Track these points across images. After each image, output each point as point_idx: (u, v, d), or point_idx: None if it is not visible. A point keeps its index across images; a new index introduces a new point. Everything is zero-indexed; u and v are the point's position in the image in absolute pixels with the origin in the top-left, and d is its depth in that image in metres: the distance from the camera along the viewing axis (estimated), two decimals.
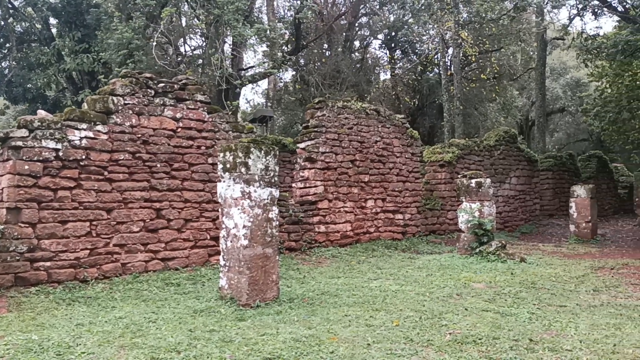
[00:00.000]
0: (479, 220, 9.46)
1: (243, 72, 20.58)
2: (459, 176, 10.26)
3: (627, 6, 13.54)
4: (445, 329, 5.05)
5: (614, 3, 13.56)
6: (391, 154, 11.75)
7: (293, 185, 10.63)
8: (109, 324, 5.21)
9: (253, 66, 21.79)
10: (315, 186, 10.15)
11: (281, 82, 28.18)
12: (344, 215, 10.56)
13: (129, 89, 7.66)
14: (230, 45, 18.53)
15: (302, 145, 10.35)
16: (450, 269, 8.37)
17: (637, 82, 23.00)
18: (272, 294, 6.02)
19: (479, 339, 4.71)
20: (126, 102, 7.63)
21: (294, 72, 26.16)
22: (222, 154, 5.94)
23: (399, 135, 12.02)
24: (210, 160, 8.46)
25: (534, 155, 16.88)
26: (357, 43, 29.09)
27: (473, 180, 9.76)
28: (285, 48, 22.69)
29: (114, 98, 7.52)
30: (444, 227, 13.03)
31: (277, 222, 6.10)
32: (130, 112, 7.65)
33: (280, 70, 21.33)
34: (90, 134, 7.23)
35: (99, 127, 7.34)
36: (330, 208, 10.30)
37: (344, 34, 26.24)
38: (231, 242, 5.88)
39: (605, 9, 13.90)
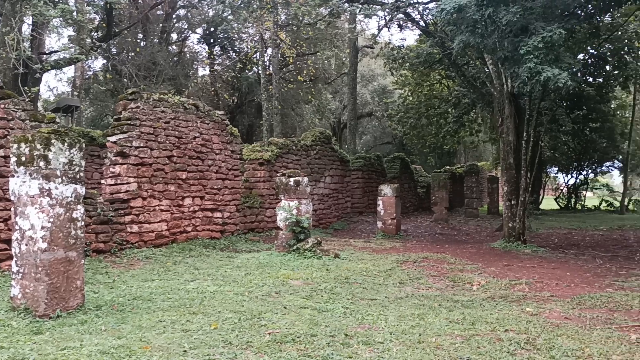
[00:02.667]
0: (296, 217, 9.64)
1: (45, 56, 18.63)
2: (278, 175, 10.35)
3: (427, 21, 14.87)
4: (264, 329, 4.98)
5: (417, 18, 14.80)
6: (210, 150, 11.46)
7: (103, 181, 9.80)
8: None
9: (57, 51, 19.86)
10: (128, 183, 9.48)
11: (90, 70, 26.13)
12: (159, 214, 10.02)
13: None
14: (29, 25, 16.63)
15: (113, 138, 9.59)
16: (269, 267, 8.38)
17: (434, 92, 25.60)
18: (77, 301, 5.42)
19: (298, 337, 4.72)
20: None
21: (104, 61, 24.40)
22: (16, 146, 5.19)
23: (219, 132, 11.79)
24: (1, 152, 7.41)
25: (346, 155, 17.79)
26: (174, 35, 28.14)
27: (292, 179, 9.92)
28: (95, 34, 21.06)
29: None
30: (263, 225, 13.10)
31: (83, 223, 5.51)
32: None
33: (89, 57, 19.72)
34: None
35: None
36: (144, 206, 9.70)
37: (161, 24, 25.17)
38: (26, 245, 5.17)
39: (409, 23, 15.09)
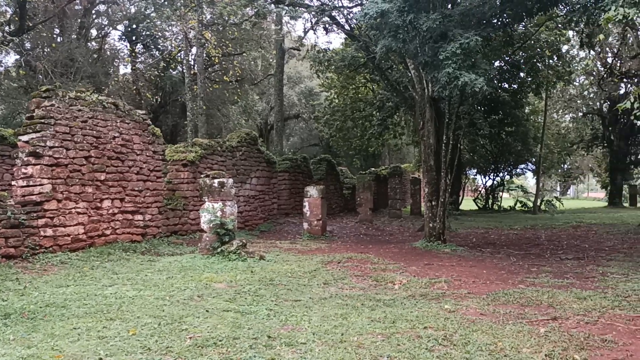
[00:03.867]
0: (221, 220, 9.50)
1: None
2: (202, 176, 10.17)
3: (352, 26, 15.09)
4: (185, 334, 4.87)
5: (342, 22, 15.00)
6: (131, 151, 11.10)
7: (14, 183, 9.26)
8: None
9: None
10: (42, 185, 9.00)
11: (1, 66, 24.67)
12: (76, 217, 9.59)
13: None
14: None
15: (25, 138, 9.08)
16: (191, 270, 8.21)
17: (359, 95, 26.04)
18: None
19: (220, 341, 4.66)
20: None
21: (17, 56, 23.10)
22: None
23: (140, 132, 11.44)
24: None
25: (273, 157, 17.75)
26: (94, 32, 27.07)
27: (216, 180, 9.77)
28: (7, 28, 19.90)
29: None
30: (187, 227, 12.83)
31: None
32: None
33: (0, 52, 18.61)
34: None
35: None
36: (59, 209, 9.25)
37: (79, 20, 24.15)
38: None
39: (334, 26, 15.26)
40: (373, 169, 28.47)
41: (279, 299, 6.56)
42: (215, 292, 6.72)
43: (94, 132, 10.11)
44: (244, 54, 26.55)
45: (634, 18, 7.41)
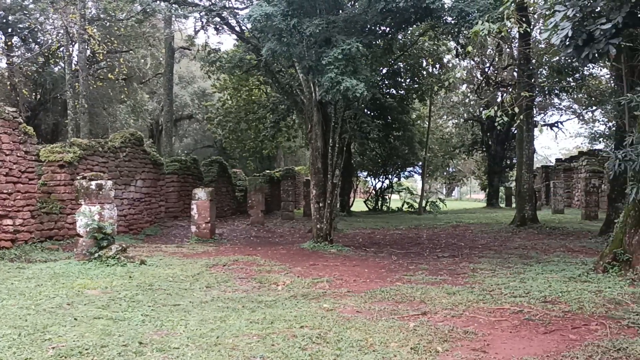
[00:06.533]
0: (98, 224, 9.08)
1: None
2: (79, 178, 9.66)
3: (243, 28, 15.00)
4: (48, 344, 4.61)
5: (233, 23, 14.86)
6: None
7: None
8: None
9: None
10: None
11: None
12: None
13: None
14: None
15: None
16: (64, 277, 7.77)
17: (253, 97, 25.98)
18: None
19: (86, 350, 4.46)
20: None
21: None
22: None
23: (10, 131, 10.66)
24: None
25: (160, 158, 17.22)
26: None
27: (93, 182, 9.32)
28: None
29: None
30: (64, 232, 12.13)
31: None
32: None
33: None
34: None
35: None
36: None
37: None
38: None
39: (225, 27, 15.09)
40: (268, 171, 28.51)
41: (156, 304, 6.38)
42: (87, 299, 6.41)
43: None
44: (132, 52, 25.54)
45: (500, 32, 8.03)
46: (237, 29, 15.13)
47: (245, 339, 4.93)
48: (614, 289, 7.02)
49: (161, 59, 27.74)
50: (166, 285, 7.51)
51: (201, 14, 14.25)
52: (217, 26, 15.24)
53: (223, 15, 13.88)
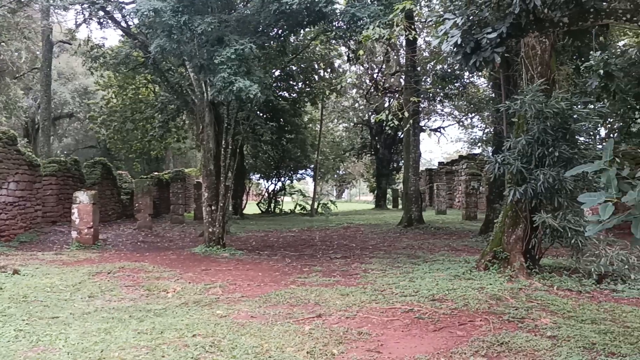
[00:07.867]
0: None
1: None
2: None
3: (129, 23, 14.31)
4: None
5: (118, 18, 14.13)
6: None
7: None
8: None
9: None
10: None
11: None
12: None
13: None
14: None
15: None
16: None
17: (140, 96, 24.90)
18: None
19: None
20: None
21: None
22: None
23: None
24: None
25: (36, 159, 15.96)
26: None
27: None
28: None
29: None
30: None
31: None
32: None
33: None
34: None
35: None
36: None
37: None
38: None
39: (110, 21, 14.31)
40: (156, 173, 27.48)
41: (32, 317, 5.87)
42: None
43: None
44: (4, 44, 23.54)
45: (390, 38, 8.27)
46: (123, 24, 14.42)
47: (133, 352, 4.65)
48: (494, 286, 7.46)
49: (38, 52, 25.81)
50: (43, 296, 6.93)
51: (83, 6, 13.44)
52: (101, 20, 14.40)
53: (107, 8, 13.16)
